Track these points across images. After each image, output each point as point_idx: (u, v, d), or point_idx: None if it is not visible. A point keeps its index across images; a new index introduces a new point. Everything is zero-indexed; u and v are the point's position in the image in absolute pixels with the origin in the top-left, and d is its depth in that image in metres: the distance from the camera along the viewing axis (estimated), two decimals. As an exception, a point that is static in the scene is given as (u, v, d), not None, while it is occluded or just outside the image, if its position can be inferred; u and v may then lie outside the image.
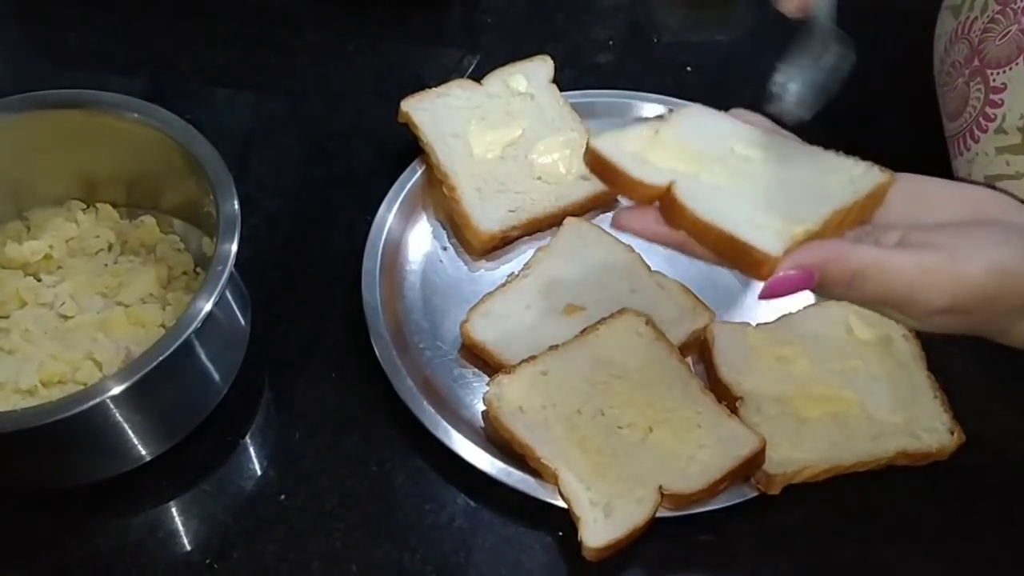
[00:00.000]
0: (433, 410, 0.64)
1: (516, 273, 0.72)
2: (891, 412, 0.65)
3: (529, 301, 0.71)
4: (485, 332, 0.69)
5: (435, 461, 0.64)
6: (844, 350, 0.68)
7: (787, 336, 0.68)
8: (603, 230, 0.74)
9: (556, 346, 0.67)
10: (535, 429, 0.63)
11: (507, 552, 0.62)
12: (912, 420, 0.65)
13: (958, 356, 0.69)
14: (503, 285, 0.72)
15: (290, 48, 0.88)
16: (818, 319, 0.69)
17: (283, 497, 0.64)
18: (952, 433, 0.64)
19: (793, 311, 0.70)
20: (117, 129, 0.66)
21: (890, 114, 0.85)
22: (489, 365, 0.68)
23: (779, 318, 0.70)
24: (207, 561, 0.61)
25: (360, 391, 0.67)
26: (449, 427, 0.64)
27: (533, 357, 0.66)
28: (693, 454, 0.62)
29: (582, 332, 0.67)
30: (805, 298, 0.72)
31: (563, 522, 0.61)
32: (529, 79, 0.80)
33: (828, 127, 0.76)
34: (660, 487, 0.61)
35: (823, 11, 0.60)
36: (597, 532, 0.59)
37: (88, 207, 0.71)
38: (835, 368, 0.67)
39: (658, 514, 0.60)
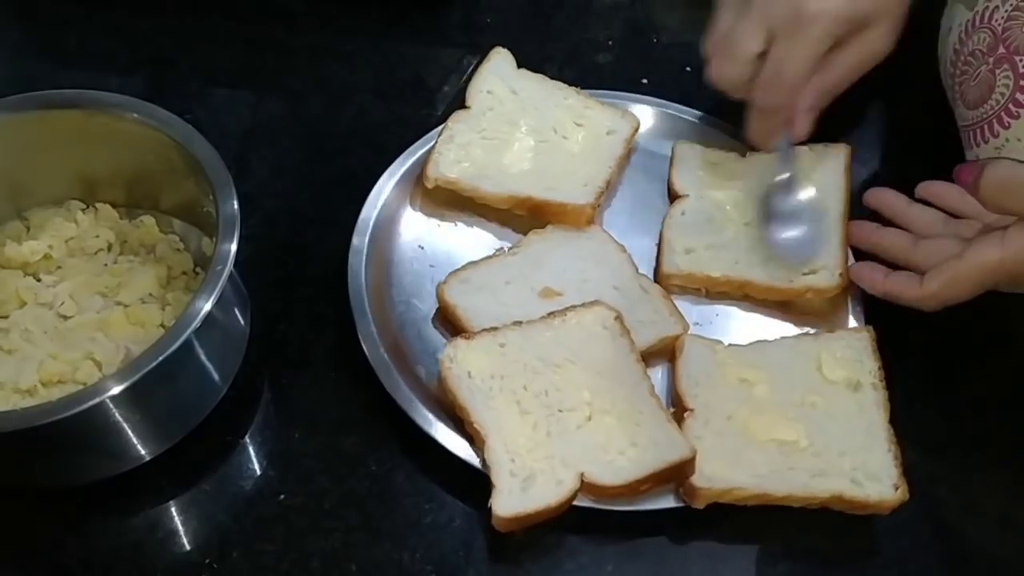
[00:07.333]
0: (402, 383, 0.65)
1: (505, 249, 0.73)
2: (839, 455, 0.63)
3: (510, 277, 0.71)
4: (459, 296, 0.69)
5: (434, 461, 0.64)
6: (808, 384, 0.66)
7: (755, 360, 0.67)
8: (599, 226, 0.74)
9: (520, 322, 0.67)
10: (477, 395, 0.63)
11: (506, 552, 0.62)
12: (858, 466, 0.62)
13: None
14: (489, 257, 0.72)
15: (290, 48, 0.88)
16: (791, 350, 0.68)
17: (283, 497, 0.64)
18: (896, 489, 0.61)
19: (769, 339, 0.69)
20: (117, 129, 0.66)
21: (892, 108, 0.86)
22: (457, 330, 0.68)
23: (753, 343, 0.69)
24: (207, 561, 0.61)
25: (360, 391, 0.67)
26: (430, 416, 0.64)
27: (495, 328, 0.66)
28: (623, 450, 0.62)
29: (549, 314, 0.67)
30: (783, 329, 0.71)
31: (563, 522, 0.61)
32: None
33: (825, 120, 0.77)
34: (582, 474, 0.61)
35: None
36: (508, 502, 0.59)
37: (88, 207, 0.71)
38: (795, 399, 0.65)
39: (626, 507, 0.61)
